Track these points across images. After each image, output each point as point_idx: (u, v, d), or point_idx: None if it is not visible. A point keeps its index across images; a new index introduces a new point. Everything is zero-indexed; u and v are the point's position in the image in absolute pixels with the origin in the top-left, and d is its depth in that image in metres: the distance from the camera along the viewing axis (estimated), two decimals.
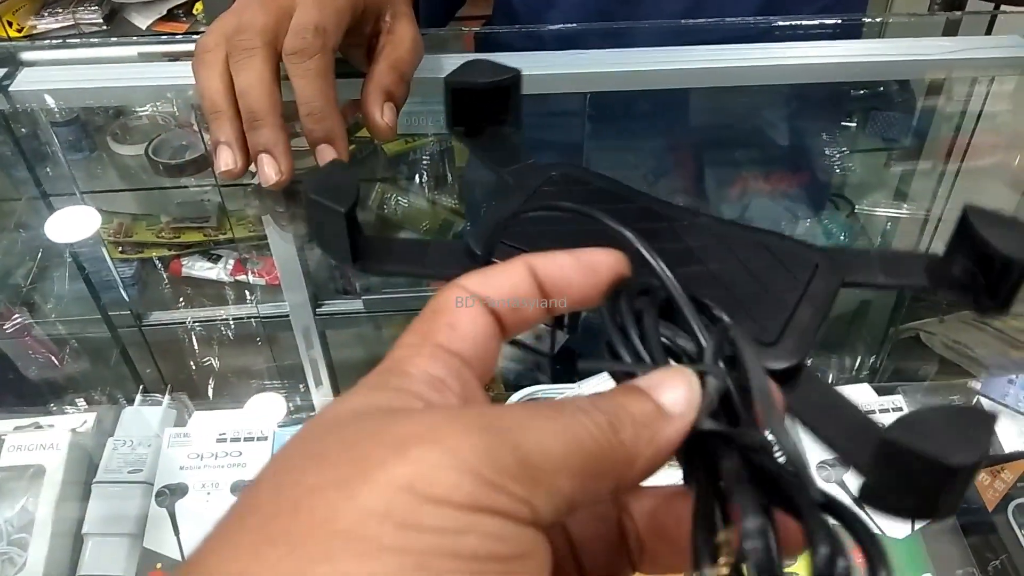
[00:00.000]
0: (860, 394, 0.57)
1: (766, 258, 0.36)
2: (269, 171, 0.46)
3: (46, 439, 0.53)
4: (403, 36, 0.51)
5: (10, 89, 0.59)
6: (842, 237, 0.87)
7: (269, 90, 0.45)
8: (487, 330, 0.22)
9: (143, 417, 0.58)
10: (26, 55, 0.61)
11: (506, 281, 0.23)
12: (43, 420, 0.56)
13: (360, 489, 0.17)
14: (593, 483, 0.19)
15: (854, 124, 0.85)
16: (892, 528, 0.48)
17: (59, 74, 0.60)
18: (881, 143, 0.87)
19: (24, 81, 0.59)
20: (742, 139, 0.75)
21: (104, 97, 0.61)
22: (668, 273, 0.23)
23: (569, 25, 0.66)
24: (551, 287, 0.23)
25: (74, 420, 0.56)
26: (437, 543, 0.16)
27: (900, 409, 0.55)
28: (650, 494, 0.23)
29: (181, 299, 1.10)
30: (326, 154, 0.47)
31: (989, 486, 0.48)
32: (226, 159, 0.46)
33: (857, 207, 0.87)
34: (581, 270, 0.24)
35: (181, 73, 0.58)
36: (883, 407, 0.55)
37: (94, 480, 0.53)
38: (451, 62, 0.49)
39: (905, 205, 0.84)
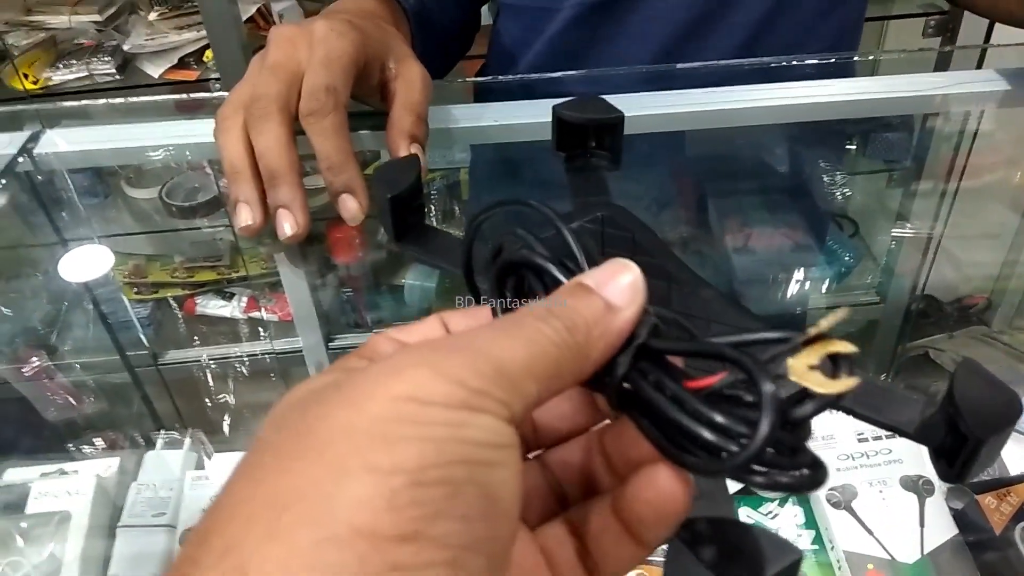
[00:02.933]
0: None
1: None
2: (286, 225, 0.48)
3: (72, 485, 0.55)
4: (412, 78, 0.53)
5: (35, 152, 0.61)
6: (847, 257, 0.88)
7: (287, 150, 0.47)
8: None
9: (165, 460, 0.59)
10: (48, 112, 0.63)
11: (421, 331, 0.26)
12: (68, 466, 0.57)
13: (367, 404, 0.19)
14: (556, 382, 0.22)
15: (854, 147, 0.86)
16: (901, 552, 0.48)
17: (82, 135, 0.62)
18: (882, 164, 0.88)
19: (48, 143, 0.61)
20: (742, 169, 0.76)
21: (126, 157, 0.63)
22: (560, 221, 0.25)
23: (556, 73, 0.68)
24: None
25: (99, 466, 0.57)
26: (447, 432, 0.19)
27: None
28: (559, 449, 0.27)
29: (196, 337, 1.11)
30: (348, 203, 0.49)
31: (996, 509, 0.48)
32: (245, 216, 0.48)
33: (861, 228, 0.87)
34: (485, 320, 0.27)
35: (198, 130, 0.60)
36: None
37: (119, 524, 0.54)
38: (458, 112, 0.51)
39: (908, 225, 0.85)
